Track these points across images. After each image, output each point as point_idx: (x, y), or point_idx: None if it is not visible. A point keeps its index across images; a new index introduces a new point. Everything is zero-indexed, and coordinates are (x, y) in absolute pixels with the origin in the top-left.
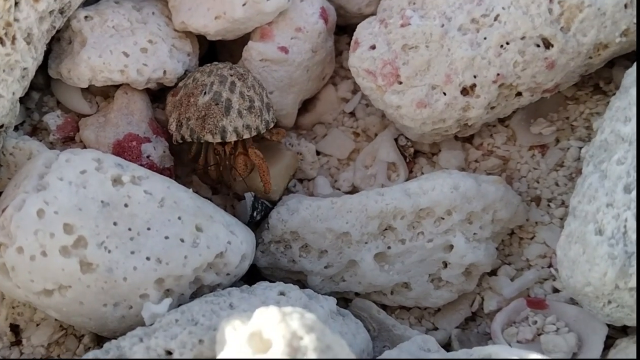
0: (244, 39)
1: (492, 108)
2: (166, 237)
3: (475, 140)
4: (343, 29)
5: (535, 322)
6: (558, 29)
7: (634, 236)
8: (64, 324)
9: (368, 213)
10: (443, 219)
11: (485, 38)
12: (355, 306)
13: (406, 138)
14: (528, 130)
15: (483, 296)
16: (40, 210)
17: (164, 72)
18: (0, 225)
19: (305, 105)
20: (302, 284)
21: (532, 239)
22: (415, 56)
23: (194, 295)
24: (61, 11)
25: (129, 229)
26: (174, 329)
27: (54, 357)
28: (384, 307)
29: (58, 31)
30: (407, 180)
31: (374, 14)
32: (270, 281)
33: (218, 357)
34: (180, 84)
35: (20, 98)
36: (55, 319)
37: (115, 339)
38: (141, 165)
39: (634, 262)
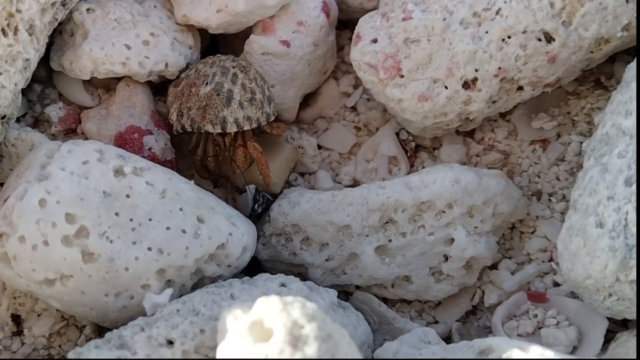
0: (246, 32)
1: (494, 102)
2: (168, 228)
3: (476, 135)
4: (345, 24)
5: (536, 316)
6: (560, 23)
7: (634, 229)
8: (65, 315)
9: (369, 206)
10: (444, 212)
11: (487, 32)
12: (356, 299)
13: (407, 132)
14: (529, 125)
15: (484, 290)
16: (42, 200)
17: (166, 64)
18: (2, 215)
19: (307, 100)
20: (303, 277)
21: (532, 233)
22: (416, 50)
23: (195, 287)
24: (63, 3)
25: (131, 220)
26: (175, 318)
27: (53, 357)
28: (384, 300)
29: (60, 23)
30: (408, 174)
31: (375, 8)
32: (271, 274)
33: (219, 346)
34: (183, 75)
35: (22, 90)
36: (57, 310)
37: (117, 329)
38: (143, 157)
39: (635, 255)
